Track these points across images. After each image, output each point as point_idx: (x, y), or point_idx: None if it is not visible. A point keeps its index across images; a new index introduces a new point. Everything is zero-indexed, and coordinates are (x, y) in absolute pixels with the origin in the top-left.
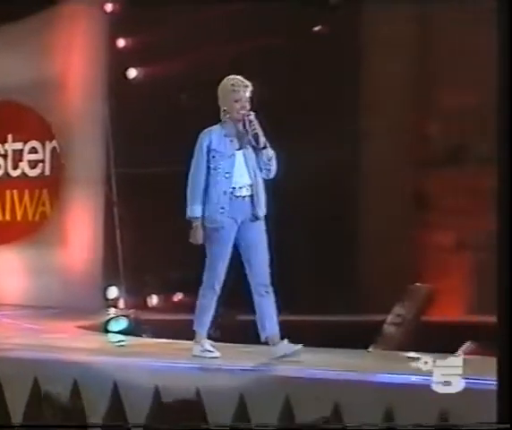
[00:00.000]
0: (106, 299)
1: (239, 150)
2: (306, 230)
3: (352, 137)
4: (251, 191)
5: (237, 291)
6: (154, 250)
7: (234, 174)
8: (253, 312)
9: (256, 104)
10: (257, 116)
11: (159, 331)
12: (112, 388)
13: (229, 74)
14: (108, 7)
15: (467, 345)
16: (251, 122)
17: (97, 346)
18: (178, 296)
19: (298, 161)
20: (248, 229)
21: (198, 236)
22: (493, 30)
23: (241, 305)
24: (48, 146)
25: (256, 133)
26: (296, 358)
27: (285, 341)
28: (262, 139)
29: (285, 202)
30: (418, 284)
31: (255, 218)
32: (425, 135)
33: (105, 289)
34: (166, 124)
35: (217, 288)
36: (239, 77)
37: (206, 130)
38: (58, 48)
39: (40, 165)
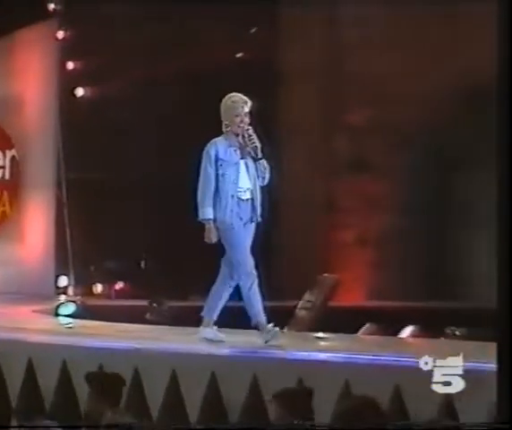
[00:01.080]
0: (57, 287)
1: (242, 159)
2: None
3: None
4: (252, 195)
5: (170, 280)
6: (98, 245)
7: (239, 180)
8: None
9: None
10: (255, 130)
11: (103, 314)
12: (61, 364)
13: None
14: (60, 35)
15: (367, 326)
16: (250, 136)
17: (49, 327)
18: (119, 285)
19: None
20: (245, 229)
21: (212, 236)
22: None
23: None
24: (8, 154)
25: (255, 146)
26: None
27: (215, 328)
28: (260, 151)
29: None
30: (325, 274)
31: (253, 220)
32: (333, 149)
33: (56, 279)
34: (109, 136)
35: (251, 272)
36: (239, 94)
37: (211, 141)
38: (17, 70)
39: (1, 170)
